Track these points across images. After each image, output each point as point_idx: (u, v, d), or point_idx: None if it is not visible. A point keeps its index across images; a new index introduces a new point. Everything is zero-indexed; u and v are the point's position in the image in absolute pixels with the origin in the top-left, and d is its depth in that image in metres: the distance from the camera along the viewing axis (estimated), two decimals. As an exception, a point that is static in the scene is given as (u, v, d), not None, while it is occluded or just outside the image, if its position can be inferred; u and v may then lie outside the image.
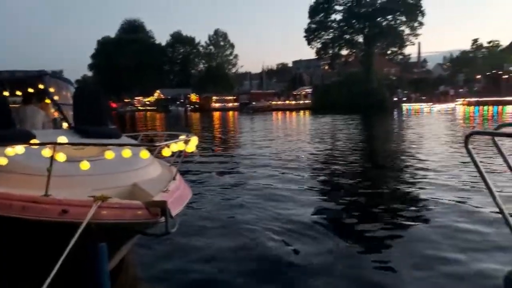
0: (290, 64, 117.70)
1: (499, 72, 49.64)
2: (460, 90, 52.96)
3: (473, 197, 6.95)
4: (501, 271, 3.69)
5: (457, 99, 47.58)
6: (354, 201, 7.33)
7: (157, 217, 2.94)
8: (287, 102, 63.56)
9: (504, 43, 68.65)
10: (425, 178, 8.83)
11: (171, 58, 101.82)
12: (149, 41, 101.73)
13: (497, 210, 1.89)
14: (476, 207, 6.39)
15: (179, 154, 3.74)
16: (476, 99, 44.62)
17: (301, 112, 49.78)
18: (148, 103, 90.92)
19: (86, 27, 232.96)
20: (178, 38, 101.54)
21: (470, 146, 1.95)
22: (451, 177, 8.82)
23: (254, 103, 66.49)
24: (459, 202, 6.73)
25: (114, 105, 78.45)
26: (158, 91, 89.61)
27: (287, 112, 52.03)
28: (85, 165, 3.28)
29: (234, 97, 77.18)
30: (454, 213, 6.11)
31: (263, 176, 9.58)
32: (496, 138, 2.01)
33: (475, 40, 64.73)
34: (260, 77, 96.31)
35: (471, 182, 8.19)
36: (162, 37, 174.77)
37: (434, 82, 62.27)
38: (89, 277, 3.00)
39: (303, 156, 12.85)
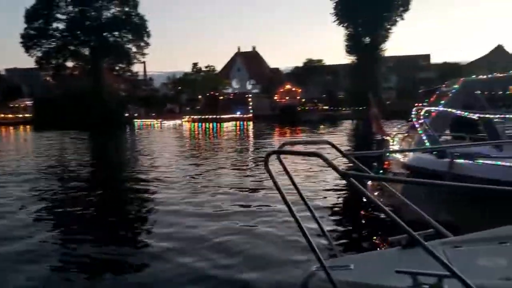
0: (3, 72, 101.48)
1: (216, 93, 57.02)
2: (187, 108, 57.83)
3: (219, 209, 7.51)
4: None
5: (183, 116, 51.65)
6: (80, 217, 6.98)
7: None
8: (2, 115, 54.47)
9: (218, 68, 79.64)
10: (157, 189, 9.30)
11: None
12: None
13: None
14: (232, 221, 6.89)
15: None
16: (199, 116, 49.67)
17: (21, 127, 43.60)
18: None
19: None
20: None
21: (269, 165, 1.96)
22: (182, 186, 9.42)
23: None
24: (198, 211, 7.14)
25: None
26: None
27: (3, 127, 44.53)
28: None
29: None
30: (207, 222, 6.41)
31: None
32: (282, 156, 2.10)
33: (195, 64, 72.05)
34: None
35: (203, 190, 8.96)
36: None
37: (161, 100, 65.77)
38: None
39: (26, 177, 11.19)
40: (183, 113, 53.90)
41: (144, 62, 68.22)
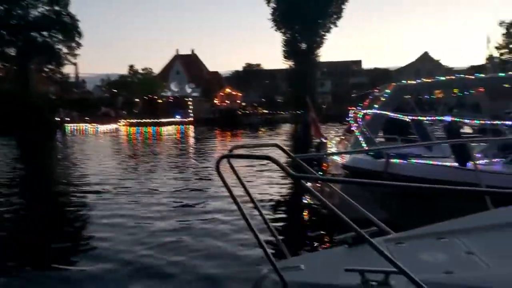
0: None
1: (154, 97, 55.71)
2: (123, 112, 55.84)
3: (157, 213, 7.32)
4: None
5: (119, 120, 49.80)
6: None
7: None
8: None
9: (156, 71, 77.95)
10: (89, 197, 9.01)
11: None
12: None
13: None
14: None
15: None
16: (136, 120, 48.17)
17: None
18: None
19: None
20: None
21: (221, 170, 1.93)
22: (114, 197, 9.12)
23: None
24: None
25: None
26: None
27: None
28: None
29: None
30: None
31: None
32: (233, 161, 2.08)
33: (131, 66, 70.06)
34: None
35: (139, 196, 8.74)
36: None
37: (95, 103, 63.04)
38: None
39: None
40: (119, 117, 51.98)
41: (75, 64, 65.16)
